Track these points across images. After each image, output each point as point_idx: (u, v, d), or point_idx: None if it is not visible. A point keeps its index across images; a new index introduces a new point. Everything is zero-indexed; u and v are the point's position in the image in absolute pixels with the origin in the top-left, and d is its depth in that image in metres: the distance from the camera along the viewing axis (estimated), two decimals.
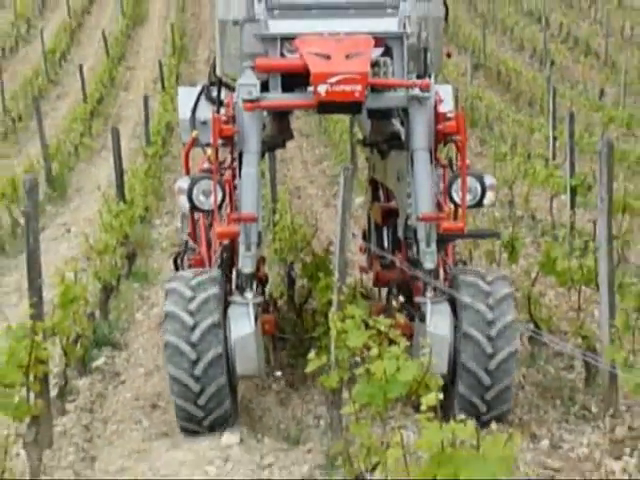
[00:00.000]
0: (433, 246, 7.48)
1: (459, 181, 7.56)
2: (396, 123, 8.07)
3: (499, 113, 31.10)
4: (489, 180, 7.81)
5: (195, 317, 7.21)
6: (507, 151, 22.74)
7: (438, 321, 7.38)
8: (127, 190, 14.82)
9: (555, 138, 22.23)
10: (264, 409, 8.29)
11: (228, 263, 8.07)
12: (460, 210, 7.66)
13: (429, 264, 7.46)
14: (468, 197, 7.59)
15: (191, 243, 9.40)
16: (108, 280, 11.38)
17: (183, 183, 7.84)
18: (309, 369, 7.32)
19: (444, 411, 6.83)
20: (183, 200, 7.80)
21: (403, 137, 7.76)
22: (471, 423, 3.83)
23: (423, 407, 4.16)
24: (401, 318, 6.51)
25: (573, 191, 15.22)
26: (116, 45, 42.72)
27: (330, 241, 10.68)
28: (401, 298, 6.68)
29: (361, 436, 5.65)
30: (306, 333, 9.04)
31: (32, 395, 6.63)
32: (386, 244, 9.98)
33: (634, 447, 7.11)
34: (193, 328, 7.21)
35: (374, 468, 5.73)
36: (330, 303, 7.57)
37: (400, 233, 8.75)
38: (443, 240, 7.68)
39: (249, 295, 7.49)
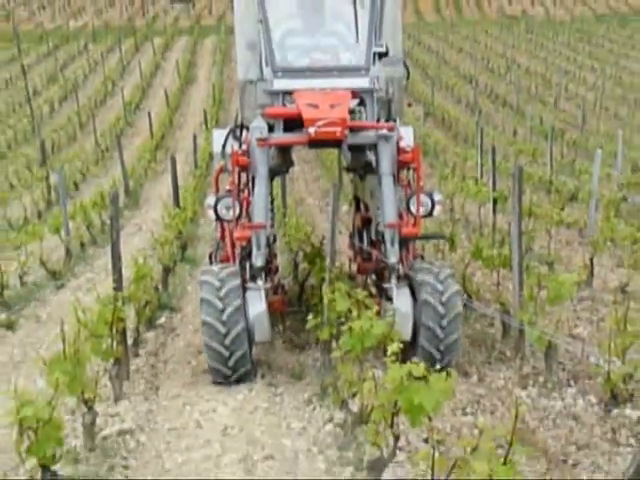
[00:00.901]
0: (396, 246, 7.31)
1: (415, 197, 7.49)
2: (369, 154, 7.99)
3: (443, 147, 31.07)
4: (437, 196, 7.72)
5: (224, 302, 7.00)
6: (449, 173, 22.71)
7: (402, 301, 7.21)
8: (181, 200, 14.82)
9: (482, 164, 22.22)
10: (277, 356, 8.28)
11: (246, 259, 7.75)
12: (415, 219, 7.57)
13: (393, 259, 7.30)
14: (422, 209, 7.52)
15: (221, 243, 9.18)
16: (167, 263, 11.38)
17: (210, 200, 7.73)
18: (308, 326, 7.36)
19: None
20: (210, 213, 7.71)
21: (374, 165, 7.67)
22: (422, 364, 3.84)
23: (389, 353, 4.17)
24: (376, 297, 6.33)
25: (494, 201, 15.23)
26: (173, 98, 42.62)
27: (323, 236, 10.64)
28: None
29: (345, 373, 5.66)
30: (306, 302, 9.02)
31: (115, 343, 6.65)
32: (366, 243, 9.78)
33: (536, 380, 7.13)
34: (222, 310, 6.99)
35: (354, 395, 5.76)
36: (323, 280, 7.56)
37: (372, 236, 8.71)
38: (404, 241, 7.54)
39: (260, 282, 7.28)
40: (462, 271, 9.42)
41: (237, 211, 7.42)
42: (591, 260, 11.11)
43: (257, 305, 7.17)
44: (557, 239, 13.98)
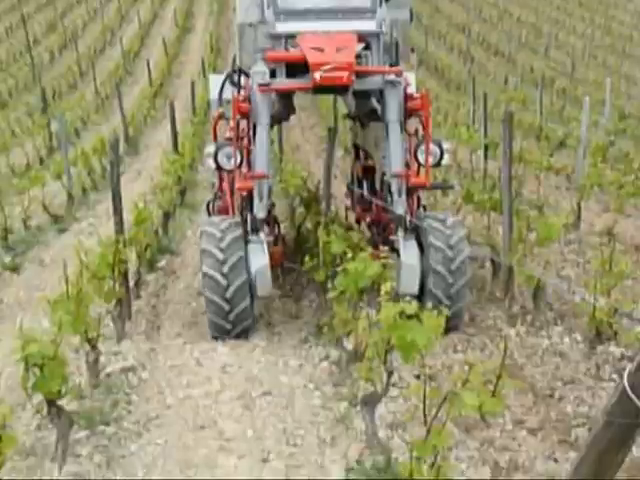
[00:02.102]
0: (404, 196, 6.96)
1: (423, 146, 7.10)
2: (374, 101, 7.54)
3: (436, 95, 30.77)
4: (446, 145, 7.37)
5: (225, 253, 6.65)
6: (441, 120, 22.54)
7: (409, 254, 6.86)
8: (180, 146, 14.70)
9: (474, 111, 22.05)
10: (275, 297, 8.27)
11: (246, 210, 7.37)
12: (424, 169, 7.18)
13: (400, 210, 6.93)
14: (430, 158, 7.13)
15: (219, 193, 8.87)
16: (167, 208, 11.33)
17: (210, 149, 7.32)
18: (305, 267, 7.37)
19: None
20: (210, 162, 7.27)
21: (380, 112, 7.26)
22: (414, 303, 3.84)
23: (382, 292, 4.15)
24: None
25: (486, 147, 15.16)
26: (172, 47, 42.00)
27: (319, 181, 10.57)
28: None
29: (340, 313, 5.68)
30: (303, 244, 8.95)
31: (117, 285, 6.64)
32: (365, 192, 9.33)
33: (524, 319, 7.17)
34: (224, 262, 6.64)
35: (348, 334, 5.79)
36: (319, 223, 7.54)
37: (377, 186, 8.31)
38: (411, 191, 7.20)
39: (262, 235, 6.87)
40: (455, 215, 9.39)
41: (238, 160, 7.04)
42: (578, 204, 11.11)
43: (259, 258, 6.76)
44: (546, 184, 13.94)
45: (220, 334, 6.82)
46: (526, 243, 7.21)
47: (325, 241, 6.98)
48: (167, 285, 9.00)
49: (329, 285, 5.87)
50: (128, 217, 7.79)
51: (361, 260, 5.34)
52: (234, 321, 6.73)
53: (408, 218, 6.93)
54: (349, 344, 5.87)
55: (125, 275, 7.20)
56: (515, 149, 10.53)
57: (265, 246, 6.83)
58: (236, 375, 6.06)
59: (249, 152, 7.24)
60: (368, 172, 9.12)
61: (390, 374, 4.32)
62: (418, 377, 5.68)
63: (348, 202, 10.20)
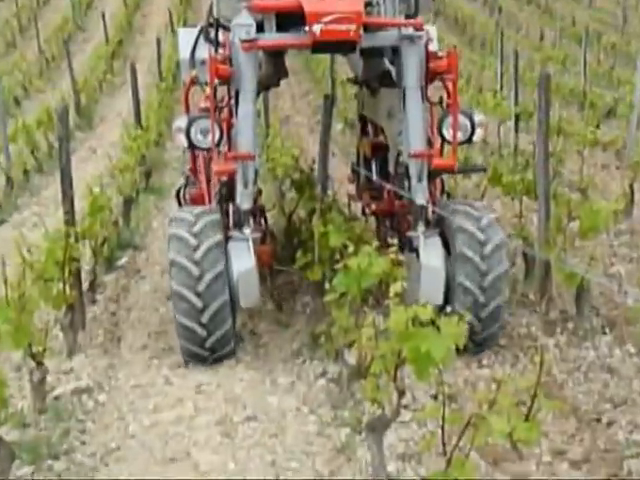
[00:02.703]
0: (424, 182, 6.72)
1: (450, 118, 6.72)
2: (387, 62, 7.17)
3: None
4: (478, 117, 6.98)
5: (201, 265, 6.40)
6: (463, 85, 22.56)
7: (431, 254, 6.63)
8: (143, 118, 14.70)
9: (502, 73, 22.06)
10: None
11: (226, 199, 7.15)
12: (450, 147, 6.81)
13: (420, 199, 6.69)
14: (459, 134, 6.76)
15: (192, 178, 8.67)
16: (129, 193, 11.34)
17: (181, 122, 6.94)
18: (297, 265, 7.39)
19: None
20: (181, 139, 6.91)
21: (394, 75, 6.93)
22: (430, 306, 3.86)
23: (391, 294, 4.17)
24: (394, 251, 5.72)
25: (517, 118, 15.19)
26: None
27: (314, 160, 10.58)
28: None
29: (340, 319, 5.69)
30: (294, 236, 8.95)
31: (67, 287, 6.65)
32: (374, 176, 9.04)
33: (564, 327, 7.20)
34: (200, 277, 6.40)
35: (350, 345, 5.80)
36: (314, 211, 7.55)
37: (391, 168, 8.00)
38: (433, 175, 6.94)
39: (247, 231, 6.66)
40: (479, 200, 9.41)
41: (217, 136, 6.70)
42: (631, 186, 11.13)
43: (243, 261, 6.55)
44: (591, 162, 13.97)
45: (194, 361, 6.69)
46: (567, 234, 7.23)
47: (321, 232, 6.99)
48: (129, 287, 9.02)
49: (326, 286, 5.89)
50: (81, 205, 7.78)
51: (365, 255, 5.36)
52: (213, 347, 6.57)
53: (430, 209, 6.78)
54: (351, 357, 5.89)
55: (77, 276, 7.20)
56: (553, 119, 10.54)
57: (251, 245, 6.64)
58: (214, 396, 6.08)
59: (230, 126, 7.02)
60: (378, 151, 8.86)
61: (401, 394, 4.34)
62: (435, 397, 5.70)
63: (352, 188, 10.07)
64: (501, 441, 3.17)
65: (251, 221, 6.93)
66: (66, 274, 6.57)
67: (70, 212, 7.07)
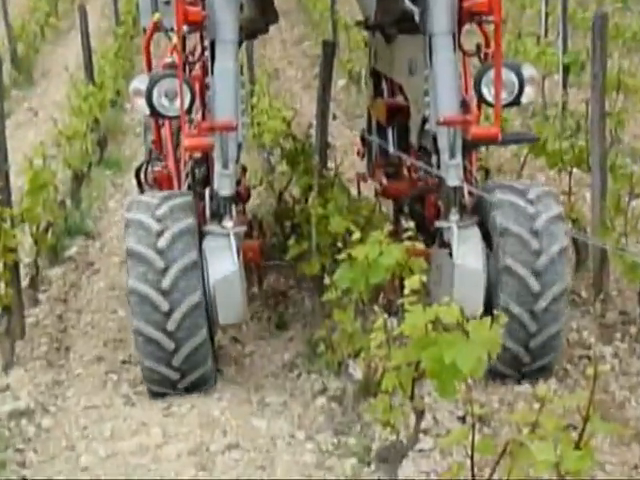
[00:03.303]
0: (459, 157, 6.47)
1: (491, 73, 6.40)
2: (406, 0, 6.90)
3: None
4: (528, 71, 6.68)
5: (165, 257, 6.19)
6: None
7: (468, 251, 6.38)
8: (97, 72, 14.68)
9: (547, 14, 22.02)
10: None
11: (201, 182, 7.02)
12: (493, 110, 6.58)
13: (454, 180, 6.45)
14: (503, 93, 6.46)
15: (155, 153, 8.39)
16: (79, 167, 11.34)
17: (141, 82, 6.67)
18: (290, 256, 7.39)
19: None
20: (141, 104, 6.63)
21: (417, 18, 6.71)
22: (455, 306, 3.87)
23: (406, 290, 4.19)
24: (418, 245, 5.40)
25: (565, 69, 15.15)
26: None
27: (310, 124, 10.57)
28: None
29: (343, 322, 5.71)
30: (286, 219, 8.90)
31: (2, 285, 6.65)
32: (391, 149, 8.79)
33: (625, 332, 7.21)
34: (164, 270, 6.18)
35: (356, 354, 5.82)
36: (311, 188, 7.56)
37: (413, 139, 7.78)
38: (470, 148, 6.80)
39: (229, 224, 6.45)
40: (516, 174, 9.42)
41: (187, 101, 6.50)
42: None
43: (224, 263, 6.35)
44: None
45: (161, 389, 6.47)
46: (628, 216, 7.23)
47: (320, 215, 7.01)
48: (80, 284, 9.04)
49: (326, 281, 5.90)
50: (18, 181, 7.79)
51: (375, 242, 5.37)
52: (183, 367, 6.33)
53: (467, 190, 6.62)
54: (357, 370, 5.91)
55: (15, 270, 7.20)
56: (611, 71, 10.52)
57: (233, 242, 6.43)
58: (186, 419, 6.09)
59: (204, 88, 6.87)
60: (396, 116, 8.60)
61: (420, 415, 4.36)
62: (463, 419, 5.72)
63: (362, 161, 9.94)
64: (546, 474, 3.17)
65: (234, 210, 6.64)
66: (0, 268, 6.57)
67: (4, 190, 7.07)
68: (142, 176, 8.47)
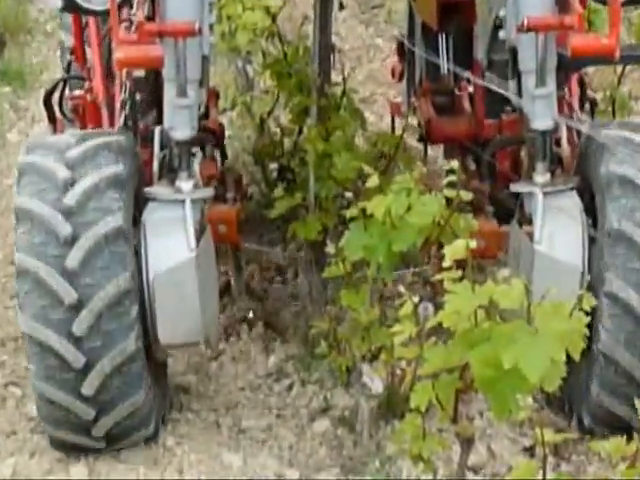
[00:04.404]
0: (551, 84, 6.23)
1: None
2: None
3: None
4: None
5: (75, 220, 5.80)
6: None
7: (559, 231, 6.12)
8: None
9: None
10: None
11: (144, 115, 7.07)
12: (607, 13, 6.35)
13: (542, 119, 6.21)
14: None
15: (76, 68, 8.32)
16: None
17: None
18: (275, 213, 7.40)
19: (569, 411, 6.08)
20: None
21: None
22: (519, 284, 3.89)
23: (447, 262, 4.18)
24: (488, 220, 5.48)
25: None
26: None
27: (306, 16, 10.58)
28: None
29: (354, 310, 5.74)
30: (270, 160, 8.90)
31: None
32: (445, 64, 8.69)
33: None
34: (72, 242, 5.75)
35: (374, 357, 5.87)
36: (307, 113, 7.59)
37: (479, 53, 7.54)
38: (571, 68, 6.84)
39: (186, 184, 6.23)
40: (610, 89, 9.45)
41: None
42: None
43: (174, 246, 6.10)
44: None
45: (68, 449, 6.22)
46: None
47: (320, 152, 7.02)
48: None
49: (329, 249, 5.94)
50: None
51: (401, 191, 5.39)
52: (101, 389, 5.87)
53: (564, 137, 6.61)
54: (374, 380, 5.96)
55: None
56: None
57: (190, 212, 6.18)
58: (126, 453, 6.15)
59: None
60: (455, 14, 8.52)
61: (468, 445, 4.40)
62: (531, 451, 5.77)
63: (397, 82, 9.89)
64: None
65: (195, 163, 6.52)
66: None
67: None
68: (56, 103, 8.31)
